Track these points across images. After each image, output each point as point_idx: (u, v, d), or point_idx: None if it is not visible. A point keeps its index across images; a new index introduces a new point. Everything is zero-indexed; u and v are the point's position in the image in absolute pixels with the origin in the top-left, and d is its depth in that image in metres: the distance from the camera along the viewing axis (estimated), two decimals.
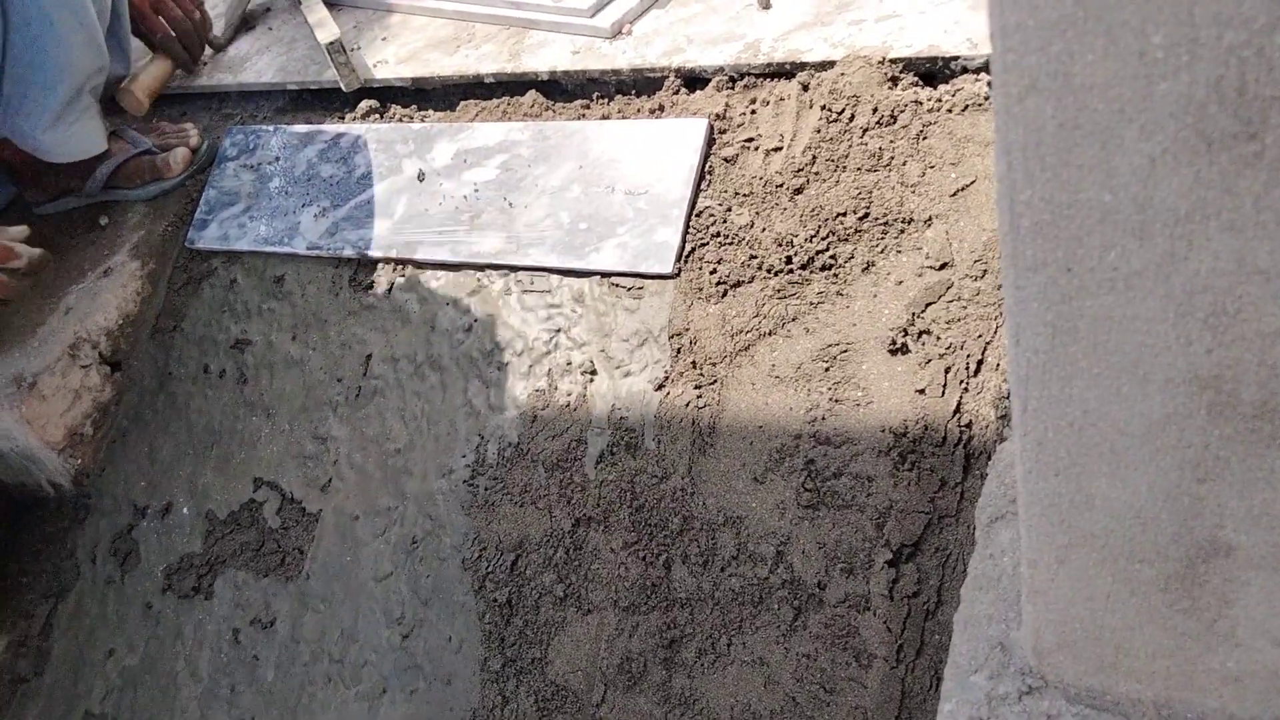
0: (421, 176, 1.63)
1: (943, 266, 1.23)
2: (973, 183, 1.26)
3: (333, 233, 1.64)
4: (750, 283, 1.32)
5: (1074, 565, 0.69)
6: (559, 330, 1.40)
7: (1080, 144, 0.49)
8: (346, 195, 1.67)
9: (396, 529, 1.36)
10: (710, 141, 1.45)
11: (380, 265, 1.58)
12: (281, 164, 1.77)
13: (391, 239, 1.58)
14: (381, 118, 1.74)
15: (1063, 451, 0.63)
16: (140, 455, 1.59)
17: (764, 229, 1.35)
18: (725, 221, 1.37)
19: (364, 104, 1.75)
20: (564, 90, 1.64)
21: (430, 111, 1.73)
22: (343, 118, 1.79)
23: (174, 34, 1.85)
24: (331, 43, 1.69)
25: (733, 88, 1.48)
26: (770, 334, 1.29)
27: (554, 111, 1.61)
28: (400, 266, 1.56)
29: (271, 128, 1.82)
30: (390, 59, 1.77)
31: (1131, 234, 0.52)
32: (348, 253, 1.61)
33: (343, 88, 1.75)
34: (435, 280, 1.52)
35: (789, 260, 1.30)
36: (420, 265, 1.55)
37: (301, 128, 1.79)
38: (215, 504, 1.49)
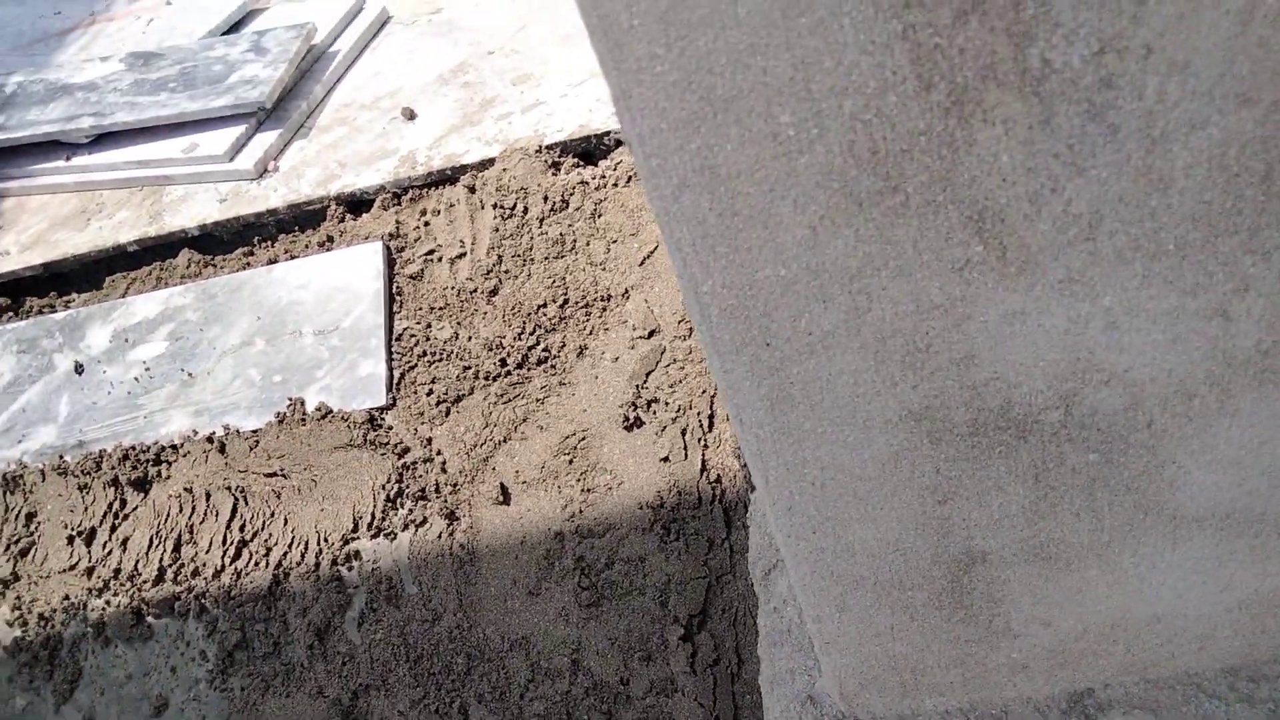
0: (80, 369, 1.45)
1: (651, 334, 1.24)
2: (655, 249, 1.29)
3: None
4: (472, 394, 1.27)
5: (853, 610, 0.70)
6: (279, 494, 1.28)
7: (743, 229, 0.49)
8: None
9: None
10: (391, 262, 1.40)
11: None
12: None
13: (61, 444, 1.39)
14: (17, 315, 1.54)
15: (813, 510, 0.63)
16: None
17: (470, 337, 1.30)
18: (429, 339, 1.32)
19: None
20: (220, 242, 1.52)
21: (74, 295, 1.55)
22: None
23: None
24: None
25: (399, 203, 1.44)
26: (505, 440, 1.24)
27: (215, 266, 1.49)
28: None
29: None
30: (12, 248, 1.57)
31: (814, 299, 0.52)
32: (10, 470, 1.39)
33: None
34: None
35: (503, 363, 1.27)
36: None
37: None
38: None
